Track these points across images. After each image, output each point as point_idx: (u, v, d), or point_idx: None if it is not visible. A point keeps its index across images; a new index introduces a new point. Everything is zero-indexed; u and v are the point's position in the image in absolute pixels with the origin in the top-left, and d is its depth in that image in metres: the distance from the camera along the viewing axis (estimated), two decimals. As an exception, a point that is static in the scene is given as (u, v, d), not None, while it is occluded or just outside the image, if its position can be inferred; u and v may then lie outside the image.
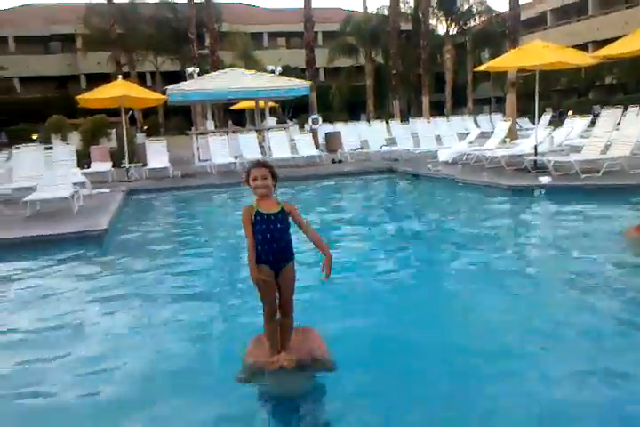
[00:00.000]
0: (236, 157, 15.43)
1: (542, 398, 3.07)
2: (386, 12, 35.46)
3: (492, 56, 29.25)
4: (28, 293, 5.51)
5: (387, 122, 19.87)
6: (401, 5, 33.81)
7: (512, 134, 16.39)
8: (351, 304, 4.72)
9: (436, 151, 14.46)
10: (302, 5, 25.02)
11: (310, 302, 4.55)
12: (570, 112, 24.45)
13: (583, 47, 30.72)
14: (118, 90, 14.84)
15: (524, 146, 12.87)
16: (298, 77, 19.98)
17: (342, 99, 39.91)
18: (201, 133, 16.81)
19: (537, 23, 42.94)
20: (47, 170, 10.11)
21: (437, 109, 34.52)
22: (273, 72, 17.85)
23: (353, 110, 38.84)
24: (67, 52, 44.63)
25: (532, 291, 4.92)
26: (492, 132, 15.60)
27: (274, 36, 49.69)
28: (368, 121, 24.27)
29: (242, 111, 30.81)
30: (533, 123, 15.93)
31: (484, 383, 3.26)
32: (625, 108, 11.07)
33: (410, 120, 20.62)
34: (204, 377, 3.51)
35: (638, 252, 5.89)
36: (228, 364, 3.55)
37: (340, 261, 5.91)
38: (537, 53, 11.51)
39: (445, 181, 11.67)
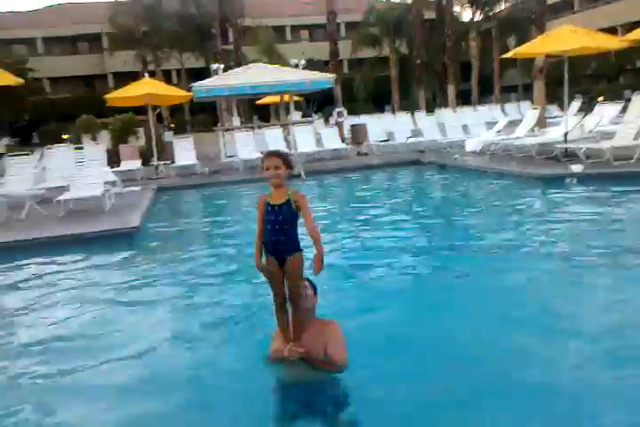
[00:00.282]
0: (262, 153, 15.47)
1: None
2: (409, 1, 35.08)
3: (519, 42, 28.68)
4: (68, 287, 5.67)
5: (412, 113, 19.71)
6: (424, -7, 33.37)
7: (541, 122, 16.09)
8: (408, 298, 4.76)
9: (464, 141, 14.30)
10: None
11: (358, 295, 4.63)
12: (600, 98, 23.85)
13: (612, 31, 29.91)
14: (145, 88, 15.04)
15: (553, 134, 12.64)
16: (321, 70, 19.92)
17: (366, 90, 39.65)
18: (227, 129, 16.93)
19: (564, 7, 41.89)
20: (79, 169, 10.30)
21: (463, 98, 34.05)
22: (297, 66, 17.82)
23: (377, 102, 38.57)
24: (94, 51, 45.34)
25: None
26: (521, 121, 15.34)
27: (296, 28, 49.59)
28: (393, 112, 24.11)
29: (267, 106, 30.91)
30: (563, 110, 15.62)
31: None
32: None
33: (436, 110, 20.40)
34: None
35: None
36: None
37: (384, 255, 6.04)
38: (565, 38, 11.27)
39: (473, 171, 11.53)
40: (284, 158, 3.17)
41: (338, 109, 20.38)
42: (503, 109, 22.88)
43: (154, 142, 15.11)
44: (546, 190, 9.24)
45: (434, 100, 35.75)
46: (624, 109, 12.52)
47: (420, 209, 9.16)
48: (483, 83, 37.83)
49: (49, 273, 6.31)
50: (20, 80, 9.29)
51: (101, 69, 44.64)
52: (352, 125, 18.84)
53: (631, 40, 11.16)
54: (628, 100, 12.71)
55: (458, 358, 3.52)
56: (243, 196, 12.18)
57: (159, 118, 26.97)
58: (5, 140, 30.05)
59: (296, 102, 22.50)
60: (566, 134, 11.32)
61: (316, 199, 10.60)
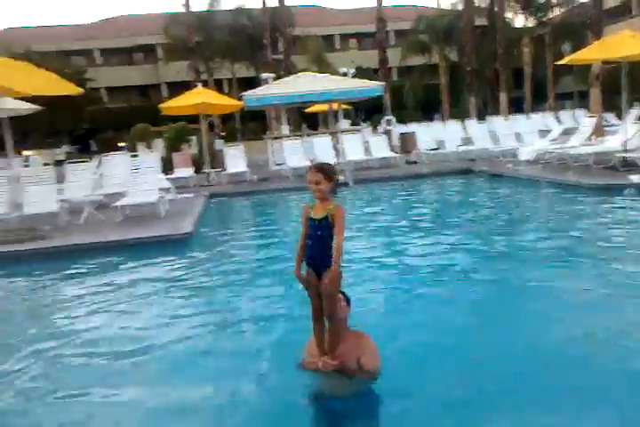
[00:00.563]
0: (310, 161, 15.59)
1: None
2: (460, 8, 34.76)
3: (574, 48, 27.98)
4: (129, 290, 5.88)
5: (462, 121, 19.46)
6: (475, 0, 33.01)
7: (598, 131, 15.59)
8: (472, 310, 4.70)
9: (516, 150, 14.01)
10: (373, 5, 24.98)
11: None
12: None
13: (675, 35, 28.73)
14: (198, 97, 15.42)
15: (611, 142, 12.24)
16: (370, 78, 19.95)
17: (416, 98, 39.40)
18: (276, 138, 17.14)
19: (621, 12, 40.58)
20: (134, 176, 10.64)
21: (515, 106, 33.42)
22: (346, 74, 17.91)
23: (426, 109, 38.30)
24: (148, 62, 46.87)
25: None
26: (576, 129, 14.91)
27: (345, 37, 49.86)
28: (443, 120, 23.87)
29: (315, 114, 31.15)
30: (620, 118, 15.10)
31: None
32: None
33: (487, 118, 20.07)
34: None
35: None
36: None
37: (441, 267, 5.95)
38: (623, 44, 10.92)
39: (527, 180, 11.27)
40: (326, 173, 3.16)
41: (387, 117, 20.35)
42: (557, 117, 22.25)
43: (206, 150, 15.45)
44: (603, 201, 8.93)
45: (485, 107, 35.18)
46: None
47: (473, 218, 9.01)
48: (536, 90, 37.03)
49: (104, 277, 6.52)
50: (81, 89, 9.65)
51: (156, 79, 46.06)
52: (401, 134, 18.75)
53: (695, 45, 10.70)
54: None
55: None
56: (291, 203, 12.29)
57: (211, 127, 27.55)
58: (65, 148, 31.39)
59: (345, 110, 22.58)
60: (625, 143, 10.95)
61: (364, 207, 10.59)
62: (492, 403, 3.20)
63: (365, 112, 33.92)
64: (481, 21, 34.67)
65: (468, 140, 17.19)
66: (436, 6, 41.10)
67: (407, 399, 3.26)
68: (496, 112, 27.84)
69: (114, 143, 25.54)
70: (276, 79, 18.41)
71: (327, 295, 3.20)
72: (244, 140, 22.54)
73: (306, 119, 32.41)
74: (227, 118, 36.27)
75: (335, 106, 19.37)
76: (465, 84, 30.17)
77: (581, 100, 36.83)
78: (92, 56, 46.87)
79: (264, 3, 32.06)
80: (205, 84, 30.53)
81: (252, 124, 36.42)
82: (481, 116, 22.54)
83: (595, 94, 18.80)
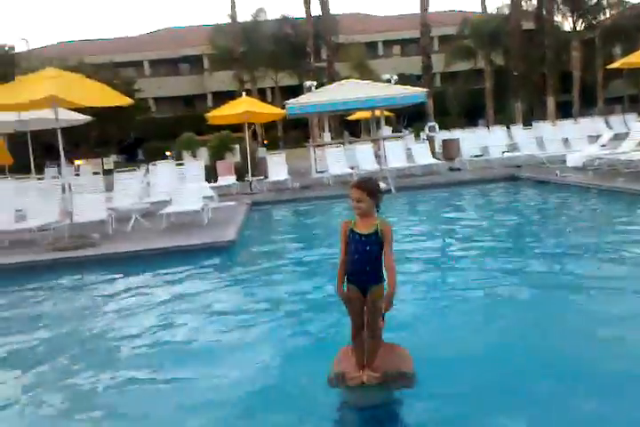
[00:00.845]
0: (352, 168, 15.57)
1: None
2: (506, 11, 34.23)
3: (625, 52, 27.09)
4: (173, 295, 5.99)
5: (507, 126, 19.09)
6: (522, 3, 32.46)
7: (651, 135, 14.99)
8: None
9: (564, 156, 13.62)
10: (417, 11, 24.87)
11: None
12: None
13: None
14: (242, 106, 15.65)
15: (665, 148, 11.76)
16: (413, 85, 19.82)
17: (459, 104, 38.98)
18: (318, 145, 17.20)
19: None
20: (180, 184, 10.85)
21: (563, 111, 32.58)
22: (389, 81, 17.84)
23: (470, 115, 37.80)
24: (194, 72, 47.91)
25: None
26: (627, 134, 14.39)
27: (388, 44, 49.78)
28: (487, 126, 23.49)
29: (357, 122, 31.15)
30: (676, 122, 14.51)
31: None
32: None
33: (533, 123, 19.62)
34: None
35: None
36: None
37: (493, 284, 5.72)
38: (680, 46, 10.51)
39: (575, 187, 10.94)
40: (368, 190, 3.13)
41: (430, 124, 20.16)
42: (607, 122, 21.57)
43: (248, 158, 15.64)
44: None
45: (531, 112, 34.45)
46: None
47: (521, 226, 8.80)
48: (584, 94, 36.01)
49: (150, 282, 6.67)
50: (131, 100, 9.95)
51: (201, 89, 47.02)
52: (444, 140, 18.53)
53: None
54: None
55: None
56: (332, 211, 12.28)
57: (254, 135, 27.94)
58: (114, 157, 32.34)
59: (387, 117, 22.50)
60: (681, 148, 10.50)
61: (406, 215, 10.49)
62: (526, 413, 3.11)
63: (407, 119, 33.69)
64: (528, 25, 34.04)
65: (513, 147, 16.84)
66: (480, 11, 40.58)
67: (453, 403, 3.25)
68: (542, 117, 27.22)
69: (160, 152, 26.15)
70: (318, 87, 18.50)
71: (377, 313, 3.21)
72: (286, 148, 22.73)
73: (348, 126, 32.46)
74: (269, 127, 36.68)
75: (377, 113, 19.35)
76: (511, 89, 29.64)
77: (632, 104, 35.64)
78: (141, 67, 48.25)
79: (308, 12, 32.34)
80: (249, 92, 31.02)
81: (294, 133, 36.73)
82: (527, 122, 22.05)
83: (647, 98, 18.12)
